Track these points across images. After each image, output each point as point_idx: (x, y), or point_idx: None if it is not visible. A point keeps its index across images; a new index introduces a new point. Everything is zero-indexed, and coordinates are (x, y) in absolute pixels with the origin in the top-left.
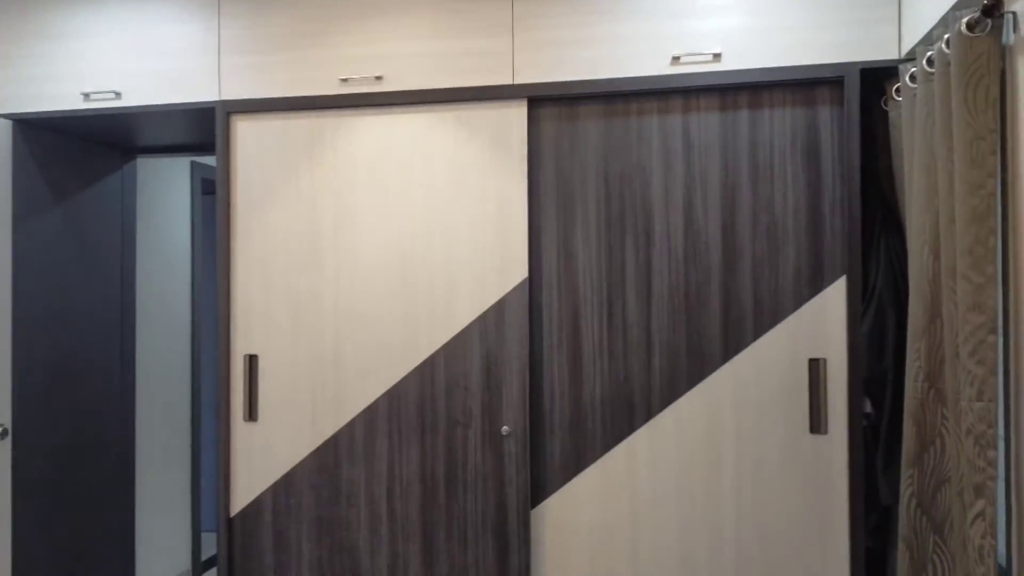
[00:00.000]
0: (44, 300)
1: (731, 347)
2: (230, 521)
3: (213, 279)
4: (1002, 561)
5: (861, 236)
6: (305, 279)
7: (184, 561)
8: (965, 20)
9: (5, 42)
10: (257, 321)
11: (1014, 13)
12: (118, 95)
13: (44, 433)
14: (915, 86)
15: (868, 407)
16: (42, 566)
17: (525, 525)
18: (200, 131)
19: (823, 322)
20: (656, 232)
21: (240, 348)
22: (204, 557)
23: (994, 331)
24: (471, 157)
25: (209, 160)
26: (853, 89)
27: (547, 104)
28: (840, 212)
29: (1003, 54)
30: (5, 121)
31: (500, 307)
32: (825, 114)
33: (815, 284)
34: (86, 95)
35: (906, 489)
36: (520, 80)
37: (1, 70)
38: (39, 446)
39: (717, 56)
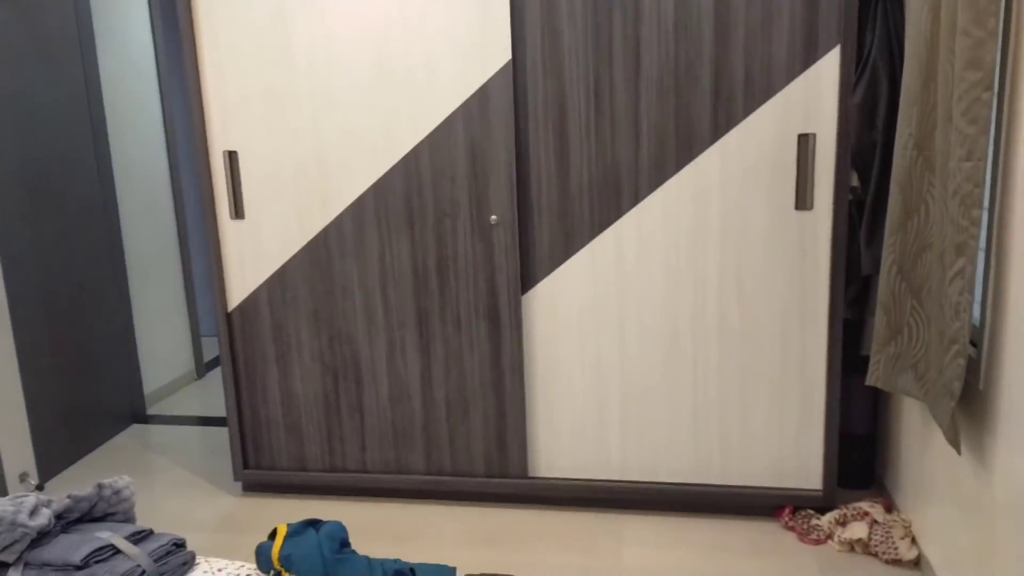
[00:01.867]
0: (6, 104)
1: (720, 126)
2: (228, 316)
3: (180, 75)
4: (975, 321)
5: (858, 1)
6: (279, 71)
7: (188, 362)
8: None
9: None
10: (233, 116)
11: None
12: None
13: (30, 247)
14: None
15: (855, 181)
16: (49, 379)
17: (516, 310)
18: None
19: (815, 96)
20: (645, 4)
21: (218, 145)
22: (207, 359)
23: (989, 88)
24: None
25: None
26: None
27: None
28: None
29: None
30: None
31: (483, 93)
32: None
33: (808, 55)
34: None
35: (888, 256)
36: None
37: None
38: (27, 261)
39: None
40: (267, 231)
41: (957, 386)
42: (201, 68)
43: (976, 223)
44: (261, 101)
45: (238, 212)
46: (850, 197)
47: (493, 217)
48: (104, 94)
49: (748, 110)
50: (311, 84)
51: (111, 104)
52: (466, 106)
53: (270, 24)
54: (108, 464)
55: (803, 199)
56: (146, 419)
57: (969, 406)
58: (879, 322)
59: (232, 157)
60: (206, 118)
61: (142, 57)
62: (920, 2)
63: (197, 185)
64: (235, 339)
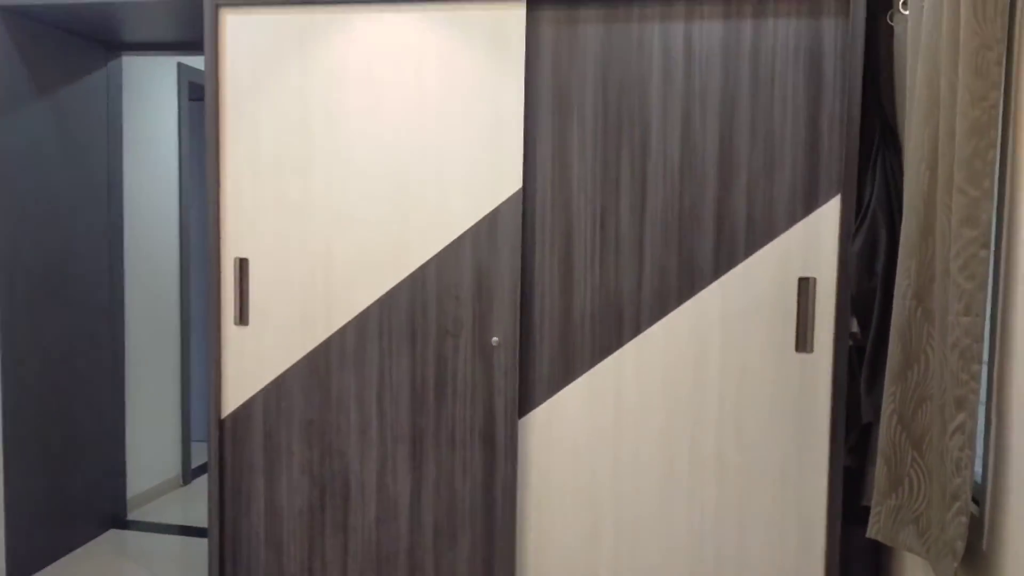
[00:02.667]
0: (28, 198)
1: (722, 264)
2: (221, 423)
3: (201, 182)
4: (977, 478)
5: (858, 153)
6: (295, 182)
7: (175, 467)
8: None
9: None
10: (247, 224)
11: None
12: None
13: (33, 337)
14: None
15: (855, 327)
16: (33, 472)
17: (513, 434)
18: (188, 27)
19: (815, 241)
20: (653, 144)
21: (230, 251)
22: (195, 465)
23: (986, 246)
24: (466, 60)
25: (197, 63)
26: (860, 0)
27: (546, 6)
28: (839, 128)
29: None
30: None
31: (493, 217)
32: (830, 25)
33: (809, 202)
34: None
35: (888, 406)
36: None
37: None
38: (28, 351)
39: None
40: (269, 339)
41: (960, 546)
42: (221, 176)
43: (976, 378)
44: (276, 211)
45: (243, 319)
46: (850, 342)
47: (495, 338)
48: (125, 194)
49: (749, 251)
50: (326, 197)
51: (130, 205)
52: (475, 229)
53: (291, 138)
54: (80, 571)
55: (803, 342)
56: (125, 524)
57: (973, 567)
58: (880, 472)
59: (243, 264)
60: (221, 224)
61: (166, 162)
62: (917, 158)
63: (206, 289)
64: (225, 447)
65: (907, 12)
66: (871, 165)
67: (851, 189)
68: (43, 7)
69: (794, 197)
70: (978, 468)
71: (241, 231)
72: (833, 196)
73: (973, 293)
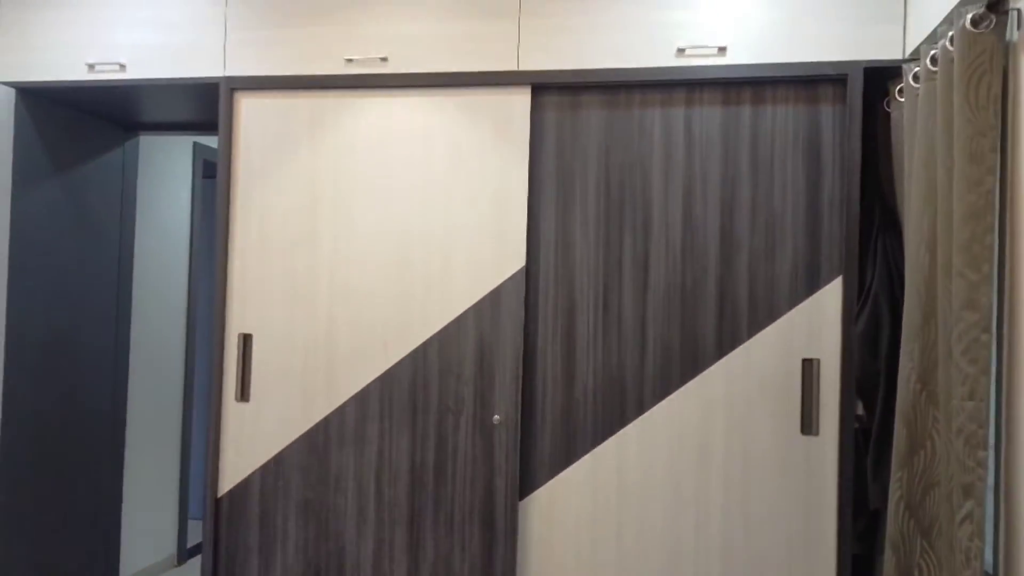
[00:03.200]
0: (40, 272)
1: (725, 344)
2: (217, 501)
3: (211, 258)
4: (988, 567)
5: (859, 236)
6: (302, 259)
7: (169, 546)
8: (969, 16)
9: (13, 9)
10: (253, 300)
11: (1018, 10)
12: (123, 67)
13: (33, 410)
14: (919, 85)
15: (860, 409)
16: (26, 546)
17: (513, 516)
18: (203, 108)
19: (818, 322)
20: (655, 225)
21: (235, 327)
22: (190, 544)
23: (987, 330)
24: (473, 142)
25: (211, 141)
26: (856, 88)
27: (551, 92)
28: (839, 211)
29: (1006, 51)
30: (8, 89)
31: (496, 295)
32: (827, 112)
33: (811, 283)
34: (91, 66)
35: (895, 492)
36: (524, 67)
37: (7, 37)
38: (27, 423)
39: (722, 50)
40: (269, 416)
41: None
42: (230, 251)
43: (982, 464)
44: (281, 286)
45: (244, 395)
46: (856, 425)
47: (496, 416)
48: (135, 269)
49: (752, 331)
50: (331, 273)
51: (140, 279)
52: (479, 306)
53: (299, 216)
54: None
55: (808, 424)
56: None
57: None
58: (888, 562)
59: (247, 340)
60: (227, 299)
61: (178, 237)
62: (917, 241)
63: (209, 365)
64: (220, 526)
65: (903, 99)
66: (872, 247)
67: (852, 271)
68: (64, 89)
69: (796, 278)
70: (988, 556)
71: (246, 307)
72: (835, 278)
73: (976, 377)
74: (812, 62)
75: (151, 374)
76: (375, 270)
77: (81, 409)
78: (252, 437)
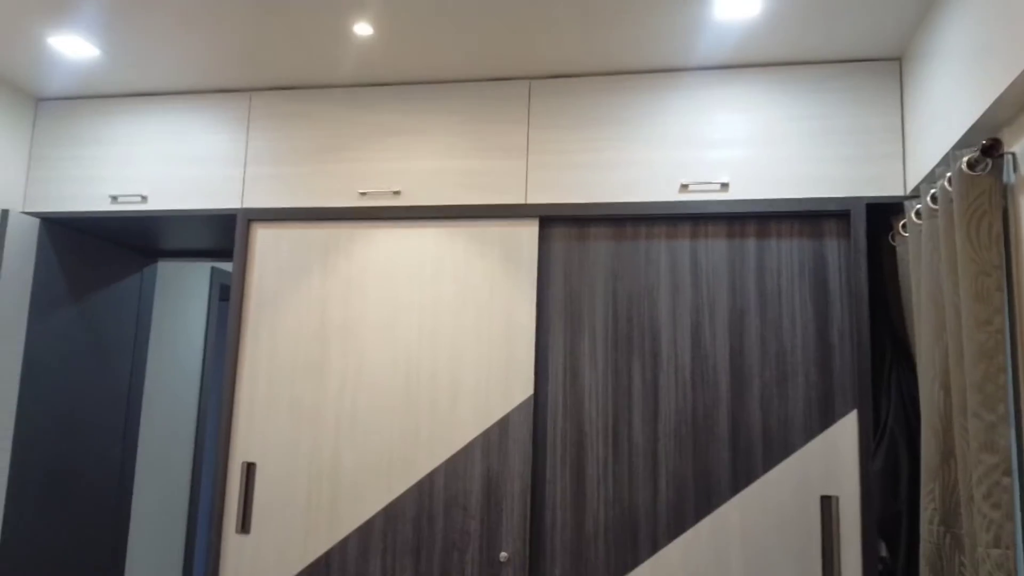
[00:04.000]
0: (51, 397)
1: (740, 479)
2: None
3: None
4: None
5: (871, 368)
6: (309, 387)
7: None
8: (965, 159)
9: (43, 145)
10: (259, 427)
11: (1013, 154)
12: (144, 199)
13: (34, 534)
14: (920, 222)
15: (883, 551)
16: None
17: None
18: (220, 237)
19: (835, 457)
20: (664, 355)
21: (239, 455)
22: None
23: (1008, 472)
24: (482, 272)
25: (227, 266)
26: (859, 224)
27: (558, 224)
28: (849, 343)
29: (1005, 192)
30: (33, 219)
31: (504, 424)
32: (832, 246)
33: (826, 417)
34: (114, 197)
35: None
36: (532, 200)
37: (37, 171)
38: (28, 548)
39: (725, 186)
40: (269, 549)
41: None
42: (237, 379)
43: None
44: (288, 414)
45: (245, 527)
46: (880, 568)
47: (503, 554)
48: (145, 391)
49: (768, 465)
50: (337, 402)
51: (150, 401)
52: (486, 435)
53: (308, 345)
54: None
55: (830, 566)
56: None
57: None
58: None
59: (250, 469)
60: (232, 426)
61: (190, 362)
62: (930, 378)
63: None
64: None
65: (907, 234)
66: (886, 380)
67: (867, 404)
68: (87, 219)
69: (810, 411)
70: None
71: (252, 433)
72: (849, 411)
73: (1001, 523)
74: (814, 198)
75: (155, 502)
76: (382, 398)
77: (82, 537)
78: (252, 572)
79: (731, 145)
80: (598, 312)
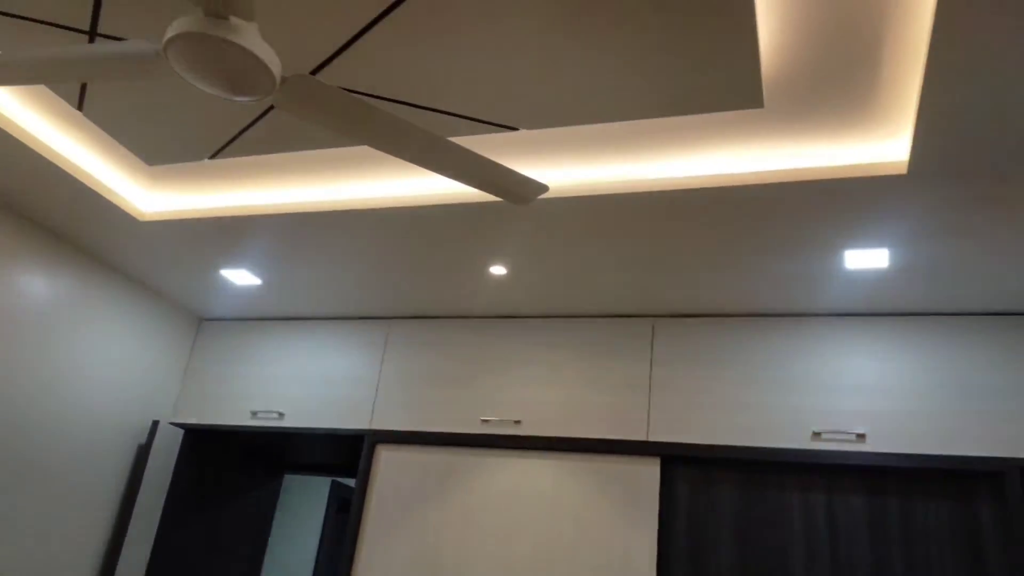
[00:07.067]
0: None
1: None
2: None
3: None
4: None
5: None
6: None
7: None
8: None
9: (197, 360)
10: None
11: None
12: (281, 415)
13: None
14: None
15: None
16: None
17: None
18: (346, 454)
19: None
20: None
21: None
22: None
23: None
24: (601, 509)
25: (348, 480)
26: (1015, 488)
27: (681, 464)
28: None
29: None
30: (178, 430)
31: None
32: (987, 511)
33: None
34: (254, 413)
35: None
36: (654, 437)
37: (189, 384)
38: None
39: (861, 436)
40: None
41: None
42: None
43: None
44: None
45: None
46: None
47: None
48: None
49: None
50: None
51: None
52: None
53: (421, 569)
54: None
55: None
56: None
57: None
58: None
59: None
60: None
61: (302, 571)
62: None
63: None
64: None
65: None
66: None
67: None
68: (227, 432)
69: None
70: None
71: None
72: None
73: None
74: (961, 456)
75: None
76: None
77: None
78: None
79: (866, 393)
80: (724, 563)
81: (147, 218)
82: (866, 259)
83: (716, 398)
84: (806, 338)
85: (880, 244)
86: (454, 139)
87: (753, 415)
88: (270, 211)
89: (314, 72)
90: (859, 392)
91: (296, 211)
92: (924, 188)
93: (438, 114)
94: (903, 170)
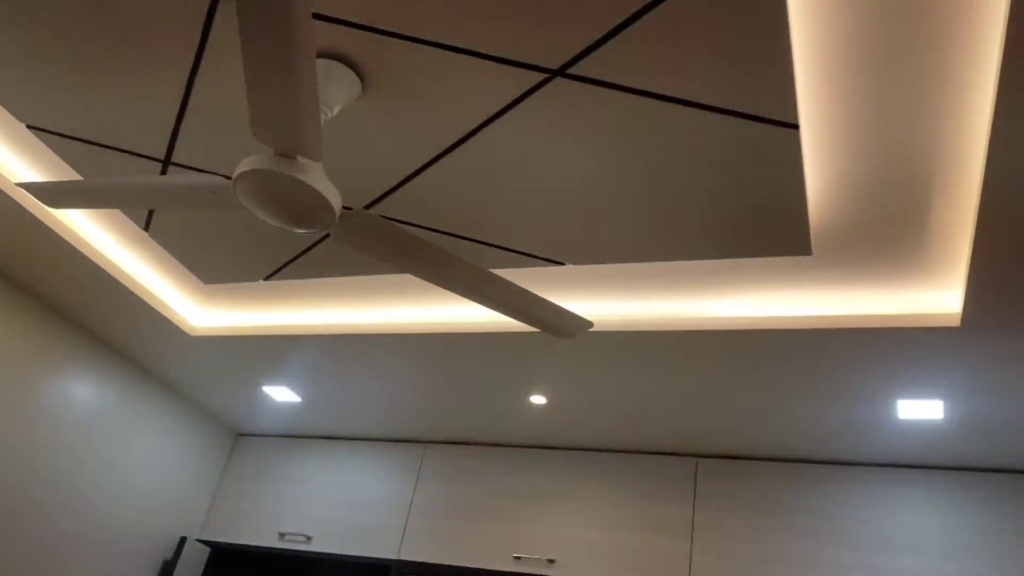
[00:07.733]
0: None
1: None
2: None
3: None
4: None
5: None
6: None
7: None
8: None
9: (228, 477)
10: None
11: None
12: (308, 539)
13: None
14: None
15: None
16: None
17: None
18: None
19: None
20: None
21: None
22: None
23: None
24: None
25: None
26: None
27: None
28: None
29: None
30: (205, 547)
31: None
32: None
33: None
34: (282, 535)
35: None
36: None
37: (219, 500)
38: None
39: None
40: None
41: None
42: None
43: None
44: None
45: None
46: None
47: None
48: None
49: None
50: None
51: None
52: None
53: None
54: None
55: None
56: None
57: None
58: None
59: None
60: None
61: None
62: None
63: None
64: None
65: None
66: None
67: None
68: (253, 553)
69: None
70: None
71: None
72: None
73: None
74: None
75: None
76: None
77: None
78: None
79: (919, 553)
80: None
81: (198, 333)
82: (920, 410)
83: (764, 549)
84: (857, 488)
85: (935, 395)
86: (500, 270)
87: (796, 568)
88: (315, 331)
89: (369, 206)
90: (912, 551)
91: (340, 332)
92: (977, 340)
93: (487, 247)
94: (956, 322)
